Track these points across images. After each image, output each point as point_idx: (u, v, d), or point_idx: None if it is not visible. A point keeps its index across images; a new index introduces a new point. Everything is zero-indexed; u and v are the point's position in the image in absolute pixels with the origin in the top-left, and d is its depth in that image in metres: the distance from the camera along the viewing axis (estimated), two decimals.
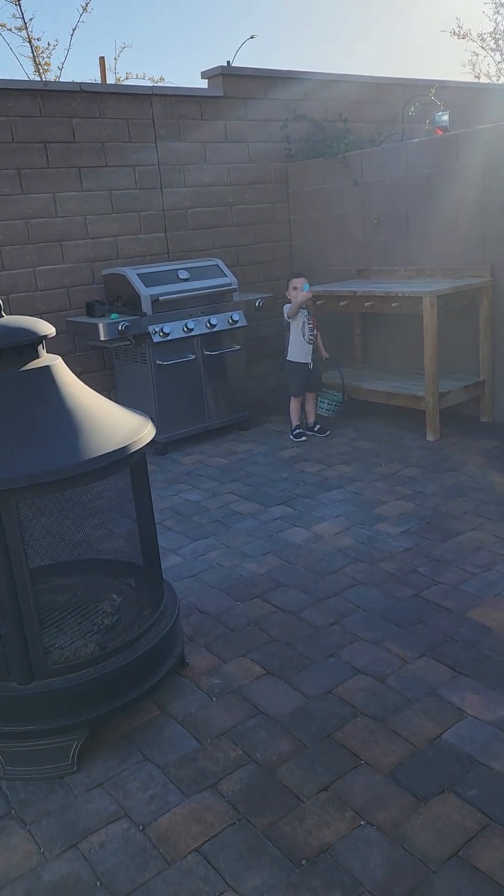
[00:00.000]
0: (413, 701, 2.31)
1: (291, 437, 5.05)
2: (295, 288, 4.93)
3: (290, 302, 4.93)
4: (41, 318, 5.05)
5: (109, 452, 2.04)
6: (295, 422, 5.09)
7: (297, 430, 5.06)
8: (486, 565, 3.13)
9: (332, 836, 1.83)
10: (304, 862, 1.77)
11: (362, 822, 1.87)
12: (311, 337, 4.92)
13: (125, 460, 2.12)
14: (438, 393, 4.73)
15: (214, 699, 2.40)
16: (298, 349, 4.95)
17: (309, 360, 4.97)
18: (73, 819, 1.96)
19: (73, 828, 1.93)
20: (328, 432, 5.10)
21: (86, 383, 5.42)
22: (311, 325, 4.93)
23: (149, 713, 2.35)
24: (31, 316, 4.97)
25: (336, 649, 2.62)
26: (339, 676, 2.46)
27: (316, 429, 5.11)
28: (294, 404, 5.09)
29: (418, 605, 2.87)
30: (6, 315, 2.26)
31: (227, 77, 5.72)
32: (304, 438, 5.02)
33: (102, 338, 4.71)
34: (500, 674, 2.40)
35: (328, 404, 5.26)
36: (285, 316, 4.94)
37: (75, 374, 5.27)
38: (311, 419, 5.16)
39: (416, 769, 2.03)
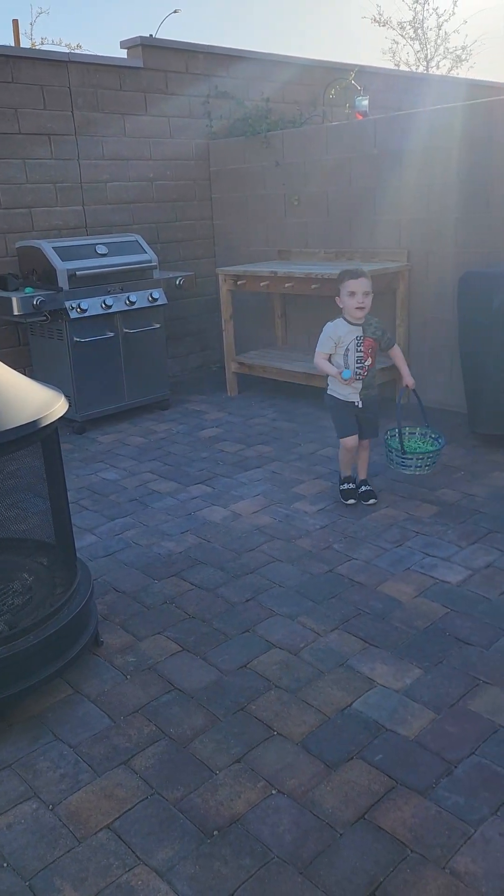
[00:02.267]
0: (325, 672, 2.36)
1: (340, 494, 3.63)
2: (352, 293, 3.33)
3: (339, 317, 3.49)
4: None
5: (18, 426, 1.98)
6: (345, 472, 3.65)
7: (346, 486, 3.61)
8: (397, 541, 3.22)
9: (244, 806, 1.86)
10: (215, 832, 1.78)
11: (273, 791, 1.90)
12: (358, 369, 3.41)
13: (35, 434, 2.06)
14: None
15: (129, 677, 2.38)
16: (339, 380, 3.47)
17: (357, 398, 3.48)
18: None
19: None
20: (374, 500, 3.57)
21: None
22: (360, 352, 3.41)
23: (61, 693, 2.31)
24: None
25: (251, 625, 2.64)
26: (253, 651, 2.49)
27: (361, 490, 3.62)
28: (345, 449, 3.57)
29: (332, 580, 2.93)
30: None
31: (148, 48, 5.59)
32: (351, 501, 3.56)
33: (16, 312, 4.55)
34: (409, 644, 2.48)
35: (419, 460, 3.51)
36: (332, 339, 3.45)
37: None
38: (361, 475, 3.67)
39: (326, 737, 2.08)
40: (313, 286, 4.83)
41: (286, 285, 5.01)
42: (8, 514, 2.67)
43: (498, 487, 3.71)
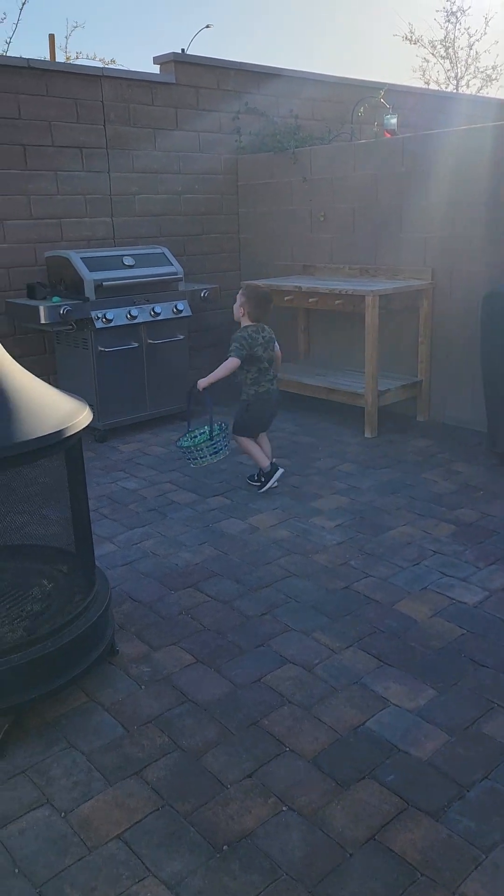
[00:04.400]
0: (338, 689, 2.36)
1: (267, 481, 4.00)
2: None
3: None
4: None
5: (43, 436, 2.01)
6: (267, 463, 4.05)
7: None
8: (414, 559, 3.21)
9: (254, 822, 1.86)
10: (225, 847, 1.79)
11: (284, 808, 1.90)
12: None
13: (59, 444, 2.10)
14: (377, 391, 4.82)
15: (143, 687, 2.40)
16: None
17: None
18: None
19: None
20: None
21: (25, 367, 5.32)
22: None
23: (76, 700, 2.33)
24: None
25: (266, 639, 2.65)
26: (267, 665, 2.49)
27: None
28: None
29: (348, 597, 2.93)
30: None
31: (180, 64, 5.67)
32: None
33: (43, 321, 4.62)
34: (423, 664, 2.47)
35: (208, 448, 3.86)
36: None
37: (14, 358, 5.17)
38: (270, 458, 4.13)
39: (338, 756, 2.08)
40: (337, 302, 4.85)
41: (310, 300, 5.03)
42: (29, 520, 2.71)
43: None
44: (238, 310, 3.92)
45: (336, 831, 1.82)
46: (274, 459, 4.13)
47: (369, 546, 3.35)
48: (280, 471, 4.03)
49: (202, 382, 3.87)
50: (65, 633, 2.24)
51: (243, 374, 3.91)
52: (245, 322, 3.91)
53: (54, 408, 2.16)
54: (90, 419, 2.26)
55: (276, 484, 4.00)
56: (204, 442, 3.83)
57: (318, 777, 2.00)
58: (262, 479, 4.02)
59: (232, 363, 3.80)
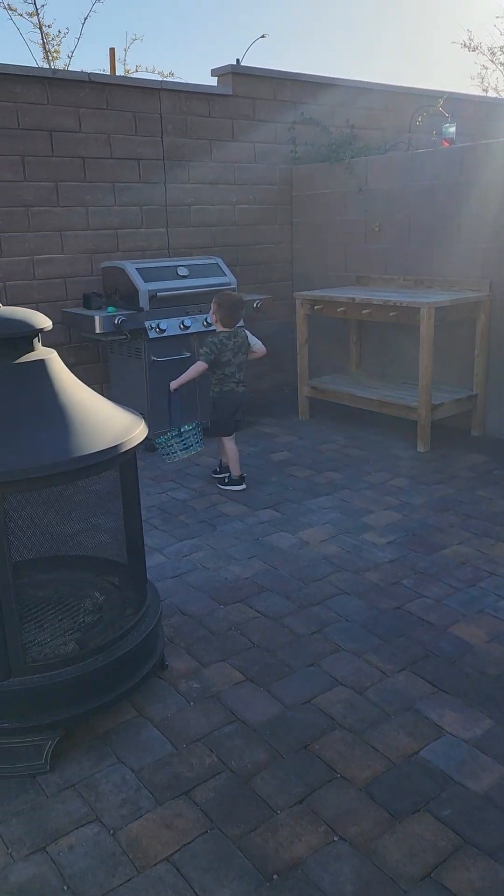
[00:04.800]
0: (391, 715, 2.30)
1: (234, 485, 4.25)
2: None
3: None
4: (38, 307, 5.02)
5: (99, 451, 2.02)
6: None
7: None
8: (469, 580, 3.12)
9: (304, 850, 1.82)
10: (275, 876, 1.75)
11: (335, 838, 1.86)
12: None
13: (115, 459, 2.10)
14: (431, 404, 4.73)
15: (192, 703, 2.38)
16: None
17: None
18: (43, 820, 1.94)
19: (43, 829, 1.91)
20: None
21: (79, 375, 5.38)
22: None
23: (125, 714, 2.33)
24: (27, 305, 4.95)
25: (316, 658, 2.61)
26: (318, 686, 2.45)
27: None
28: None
29: (401, 617, 2.86)
30: (3, 305, 2.23)
31: (238, 76, 5.69)
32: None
33: (98, 331, 4.68)
34: (480, 691, 2.39)
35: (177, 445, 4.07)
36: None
37: (69, 366, 5.23)
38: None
39: (391, 785, 2.02)
40: (391, 314, 4.78)
41: (363, 312, 4.98)
42: (81, 529, 2.73)
43: None
44: (212, 317, 4.16)
45: (389, 866, 1.77)
46: (245, 475, 4.33)
47: (422, 565, 3.28)
48: (243, 486, 4.24)
49: (174, 384, 4.17)
50: (116, 648, 2.24)
51: (211, 376, 4.17)
52: (219, 328, 4.13)
53: (111, 422, 2.17)
54: (145, 434, 2.26)
55: (232, 489, 4.24)
56: (174, 438, 4.03)
57: (370, 807, 1.95)
58: (227, 480, 4.27)
59: (199, 367, 4.10)
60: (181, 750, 2.17)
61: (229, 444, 4.25)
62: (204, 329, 4.98)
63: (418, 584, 3.11)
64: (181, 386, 4.16)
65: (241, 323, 4.25)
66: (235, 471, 4.25)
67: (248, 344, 4.18)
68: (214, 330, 4.20)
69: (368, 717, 2.29)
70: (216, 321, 4.14)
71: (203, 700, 2.40)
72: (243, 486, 4.23)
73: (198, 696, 2.42)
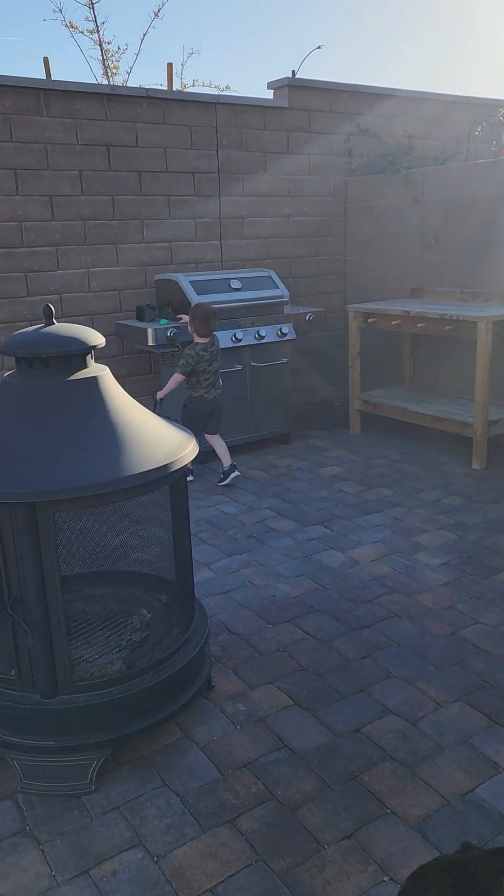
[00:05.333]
0: (445, 749, 2.21)
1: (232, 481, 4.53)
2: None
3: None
4: (92, 319, 5.08)
5: (150, 470, 2.00)
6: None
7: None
8: None
9: (353, 890, 1.75)
10: None
11: (385, 878, 1.78)
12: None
13: (165, 478, 2.08)
14: (488, 420, 4.60)
15: (238, 727, 2.34)
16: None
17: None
18: (87, 842, 1.92)
19: (87, 852, 1.89)
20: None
21: (131, 386, 5.44)
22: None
23: (171, 736, 2.30)
24: (82, 317, 5.02)
25: (367, 685, 2.53)
26: (368, 714, 2.38)
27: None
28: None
29: (455, 644, 2.77)
30: (56, 322, 2.24)
31: (294, 88, 5.68)
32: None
33: (150, 343, 4.70)
34: None
35: None
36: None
37: (121, 377, 5.29)
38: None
39: (444, 824, 1.94)
40: (447, 328, 4.67)
41: (418, 325, 4.88)
42: (130, 543, 2.72)
43: None
44: (189, 327, 4.40)
45: None
46: (234, 462, 4.57)
47: (478, 589, 3.17)
48: (236, 473, 4.52)
49: (160, 394, 4.45)
50: (164, 667, 2.21)
51: (187, 382, 4.43)
52: (196, 338, 4.35)
53: (161, 440, 2.15)
54: (196, 453, 2.24)
55: (229, 481, 4.51)
56: None
57: (422, 846, 1.87)
58: (222, 475, 4.54)
59: (177, 377, 4.37)
60: (227, 776, 2.13)
61: (215, 441, 4.54)
62: (256, 342, 4.96)
63: (473, 609, 3.00)
64: (167, 395, 4.43)
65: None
66: (226, 461, 4.52)
67: (220, 350, 4.47)
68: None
69: (421, 750, 2.21)
70: (193, 331, 4.36)
71: (250, 724, 2.35)
72: (236, 474, 4.53)
73: (244, 719, 2.37)
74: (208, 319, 4.31)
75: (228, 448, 5.06)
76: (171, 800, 2.05)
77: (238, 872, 1.81)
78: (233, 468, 4.53)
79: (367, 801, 2.02)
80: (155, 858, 1.86)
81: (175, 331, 4.69)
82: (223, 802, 2.03)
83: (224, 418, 4.62)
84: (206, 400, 4.42)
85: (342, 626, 2.92)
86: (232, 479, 4.50)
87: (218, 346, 4.43)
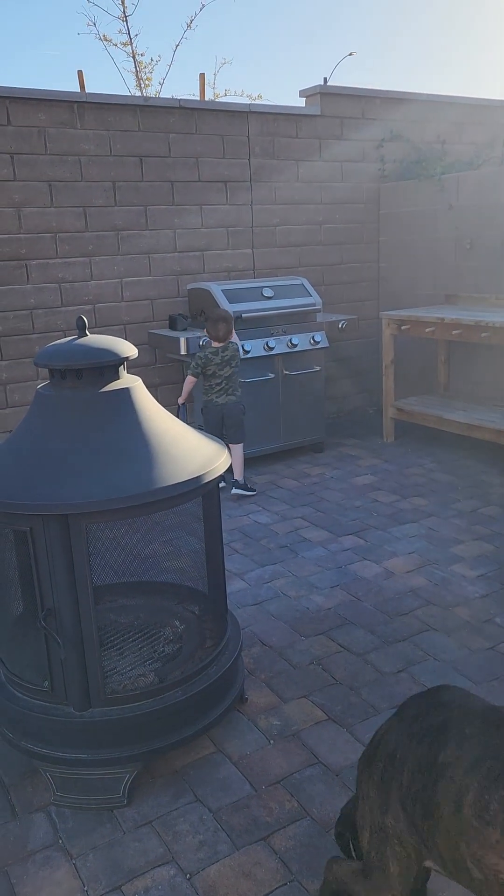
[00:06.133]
0: None
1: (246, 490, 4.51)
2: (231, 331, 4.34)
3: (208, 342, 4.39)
4: (125, 328, 5.11)
5: (182, 482, 1.98)
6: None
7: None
8: None
9: None
10: None
11: None
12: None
13: (197, 490, 2.07)
14: None
15: (272, 742, 2.31)
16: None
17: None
18: (120, 857, 1.90)
19: (119, 867, 1.87)
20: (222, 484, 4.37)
21: (164, 395, 5.46)
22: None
23: (203, 749, 2.28)
24: (115, 326, 5.05)
25: (402, 700, 2.48)
26: None
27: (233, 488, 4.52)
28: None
29: (494, 659, 2.70)
30: (90, 332, 2.25)
31: (326, 96, 5.66)
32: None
33: (182, 352, 4.71)
34: None
35: None
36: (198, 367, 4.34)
37: (154, 386, 5.31)
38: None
39: None
40: (483, 334, 4.60)
41: (453, 332, 4.81)
42: (162, 552, 2.71)
43: None
44: (205, 332, 4.45)
45: None
46: (234, 479, 4.51)
47: None
48: (235, 490, 4.50)
49: (180, 399, 4.49)
50: (197, 681, 2.19)
51: (201, 386, 4.45)
52: (211, 342, 4.35)
53: (194, 452, 2.14)
54: (228, 463, 2.22)
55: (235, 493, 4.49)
56: None
57: None
58: (247, 488, 4.53)
59: (189, 380, 4.42)
60: (260, 791, 2.10)
61: (233, 451, 4.43)
62: (288, 350, 4.94)
63: None
64: (185, 399, 4.49)
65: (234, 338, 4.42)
66: (238, 472, 4.49)
67: (239, 357, 4.41)
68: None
69: None
70: (205, 333, 4.41)
71: (283, 739, 2.32)
72: (253, 492, 4.51)
73: (278, 733, 2.34)
74: (214, 323, 4.26)
75: (260, 456, 5.08)
76: (203, 815, 2.03)
77: (272, 892, 1.78)
78: (238, 484, 4.48)
79: None
80: (188, 875, 1.84)
81: (206, 339, 4.69)
82: (256, 819, 2.00)
83: (241, 428, 4.48)
84: (216, 404, 4.40)
85: (377, 639, 2.87)
86: (235, 494, 4.46)
87: (234, 352, 4.36)
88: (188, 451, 2.13)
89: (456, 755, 1.32)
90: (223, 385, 4.38)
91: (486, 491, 4.39)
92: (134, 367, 5.09)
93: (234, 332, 4.35)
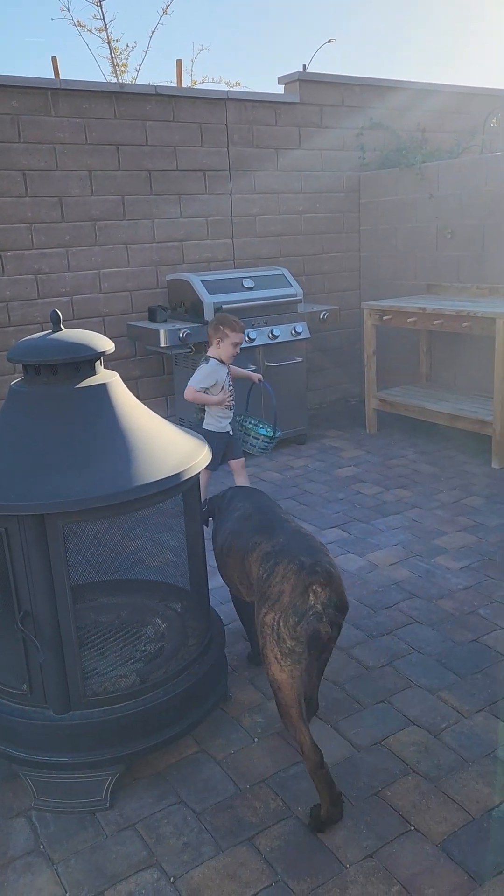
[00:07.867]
0: (469, 762, 2.14)
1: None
2: (235, 344, 3.73)
3: (212, 358, 3.73)
4: (103, 320, 5.04)
5: (161, 479, 1.94)
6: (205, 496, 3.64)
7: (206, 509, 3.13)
8: None
9: None
10: None
11: None
12: (231, 401, 3.79)
13: (177, 487, 2.02)
14: None
15: (256, 740, 2.28)
16: (218, 416, 3.79)
17: (229, 426, 3.86)
18: (102, 862, 1.87)
19: (102, 872, 1.84)
20: None
21: (144, 388, 5.39)
22: (231, 386, 3.81)
23: (187, 749, 2.25)
24: (93, 318, 4.97)
25: (387, 695, 2.47)
26: (389, 726, 2.31)
27: None
28: (205, 478, 3.82)
29: (478, 651, 2.69)
30: (66, 325, 2.19)
31: (305, 83, 5.60)
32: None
33: (163, 344, 4.65)
34: None
35: (260, 442, 3.99)
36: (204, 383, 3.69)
37: (133, 379, 5.24)
38: None
39: (470, 842, 1.87)
40: (464, 324, 4.58)
41: (435, 322, 4.79)
42: (143, 549, 2.66)
43: None
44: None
45: None
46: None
47: (500, 593, 3.09)
48: None
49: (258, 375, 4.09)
50: (180, 681, 2.16)
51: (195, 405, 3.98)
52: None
53: (172, 448, 2.10)
54: (209, 460, 2.18)
55: None
56: (252, 429, 4.01)
57: (447, 866, 1.80)
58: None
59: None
60: (244, 791, 2.07)
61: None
62: (270, 341, 4.89)
63: (496, 615, 2.92)
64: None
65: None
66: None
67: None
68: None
69: (444, 763, 2.14)
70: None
71: (267, 737, 2.29)
72: None
73: (262, 731, 2.32)
74: (218, 325, 3.78)
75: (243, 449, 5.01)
76: (187, 817, 2.00)
77: (257, 894, 1.76)
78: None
79: (390, 818, 1.95)
80: (171, 879, 1.81)
81: (188, 331, 4.63)
82: (241, 820, 1.98)
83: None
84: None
85: (361, 633, 2.85)
86: None
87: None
88: (167, 447, 2.09)
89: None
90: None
91: (469, 482, 4.38)
92: (113, 360, 5.02)
93: (216, 338, 3.78)
